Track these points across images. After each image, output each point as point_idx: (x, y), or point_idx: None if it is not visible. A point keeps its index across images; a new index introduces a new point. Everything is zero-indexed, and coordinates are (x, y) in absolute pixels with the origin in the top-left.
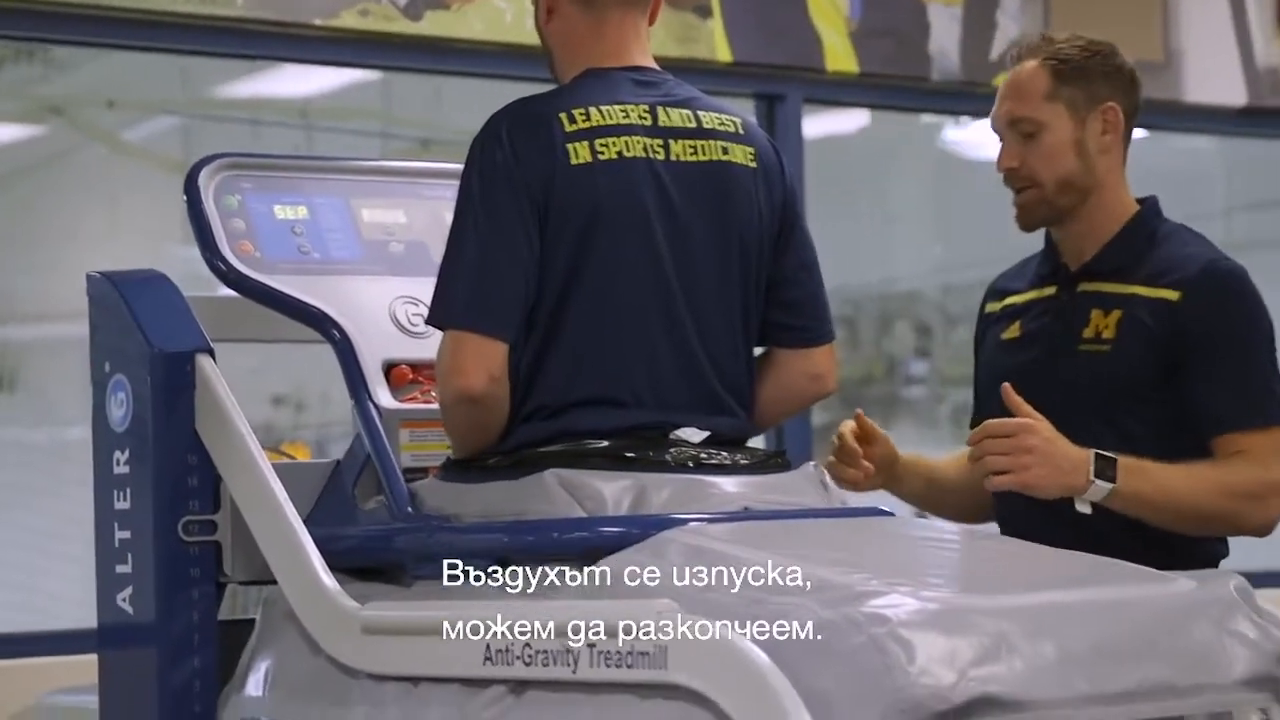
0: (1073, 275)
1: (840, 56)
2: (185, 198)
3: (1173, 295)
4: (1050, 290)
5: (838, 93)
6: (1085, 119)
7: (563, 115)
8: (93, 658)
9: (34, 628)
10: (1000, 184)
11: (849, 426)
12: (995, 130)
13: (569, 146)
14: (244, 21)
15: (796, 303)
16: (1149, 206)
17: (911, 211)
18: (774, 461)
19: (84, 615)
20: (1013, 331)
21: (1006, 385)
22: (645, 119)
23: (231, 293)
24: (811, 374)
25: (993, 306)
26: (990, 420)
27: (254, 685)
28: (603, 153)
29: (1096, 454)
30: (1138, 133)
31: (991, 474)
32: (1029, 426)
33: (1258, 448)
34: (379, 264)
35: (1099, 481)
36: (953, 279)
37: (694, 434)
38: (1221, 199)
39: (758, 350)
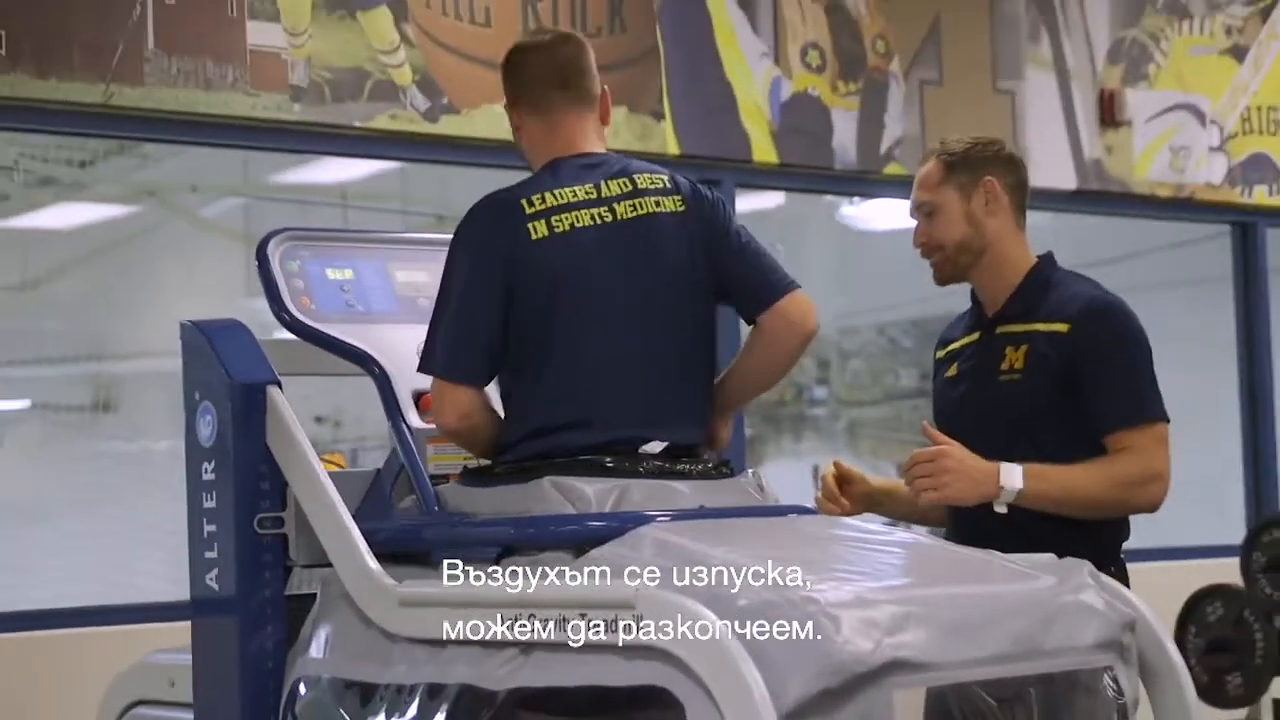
0: (990, 321)
1: (764, 150)
2: (257, 262)
3: (1063, 328)
4: (975, 336)
5: (762, 178)
6: (970, 195)
7: (524, 201)
8: (176, 625)
9: (129, 600)
10: (884, 248)
11: (830, 471)
12: (911, 216)
13: (529, 225)
14: (299, 124)
15: (746, 276)
16: (1045, 260)
17: (817, 270)
18: (721, 469)
19: (169, 590)
20: (952, 371)
21: (925, 423)
22: (591, 194)
23: (292, 336)
24: (787, 322)
25: (939, 354)
26: (915, 451)
27: (315, 648)
28: (558, 227)
29: (1004, 466)
30: None
31: (920, 494)
32: (944, 452)
33: (1140, 442)
34: (410, 314)
35: (1010, 485)
36: (847, 323)
37: (657, 446)
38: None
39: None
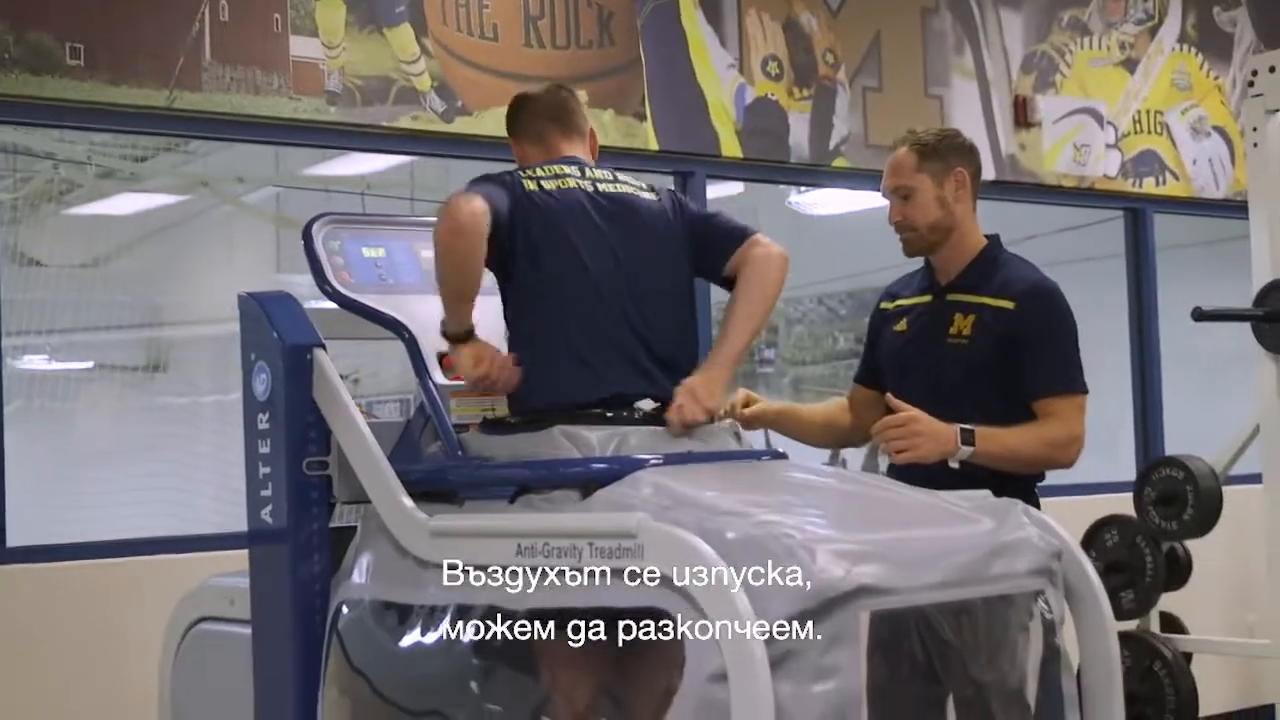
0: (943, 288)
1: (730, 146)
2: (303, 241)
3: (1009, 305)
4: (927, 298)
5: (728, 170)
6: (943, 182)
7: (519, 172)
8: (227, 552)
9: (184, 532)
10: (825, 230)
11: (740, 396)
12: (885, 196)
13: (524, 182)
14: (334, 124)
15: (713, 237)
16: (994, 241)
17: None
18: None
19: (218, 522)
20: (902, 326)
21: (889, 395)
22: (578, 173)
23: (332, 305)
24: (759, 256)
25: (886, 305)
26: (887, 417)
27: (357, 574)
28: (548, 186)
29: (961, 428)
30: None
31: (893, 455)
32: (914, 418)
33: (1065, 409)
34: (434, 287)
35: (964, 447)
36: (792, 294)
37: (649, 405)
38: None
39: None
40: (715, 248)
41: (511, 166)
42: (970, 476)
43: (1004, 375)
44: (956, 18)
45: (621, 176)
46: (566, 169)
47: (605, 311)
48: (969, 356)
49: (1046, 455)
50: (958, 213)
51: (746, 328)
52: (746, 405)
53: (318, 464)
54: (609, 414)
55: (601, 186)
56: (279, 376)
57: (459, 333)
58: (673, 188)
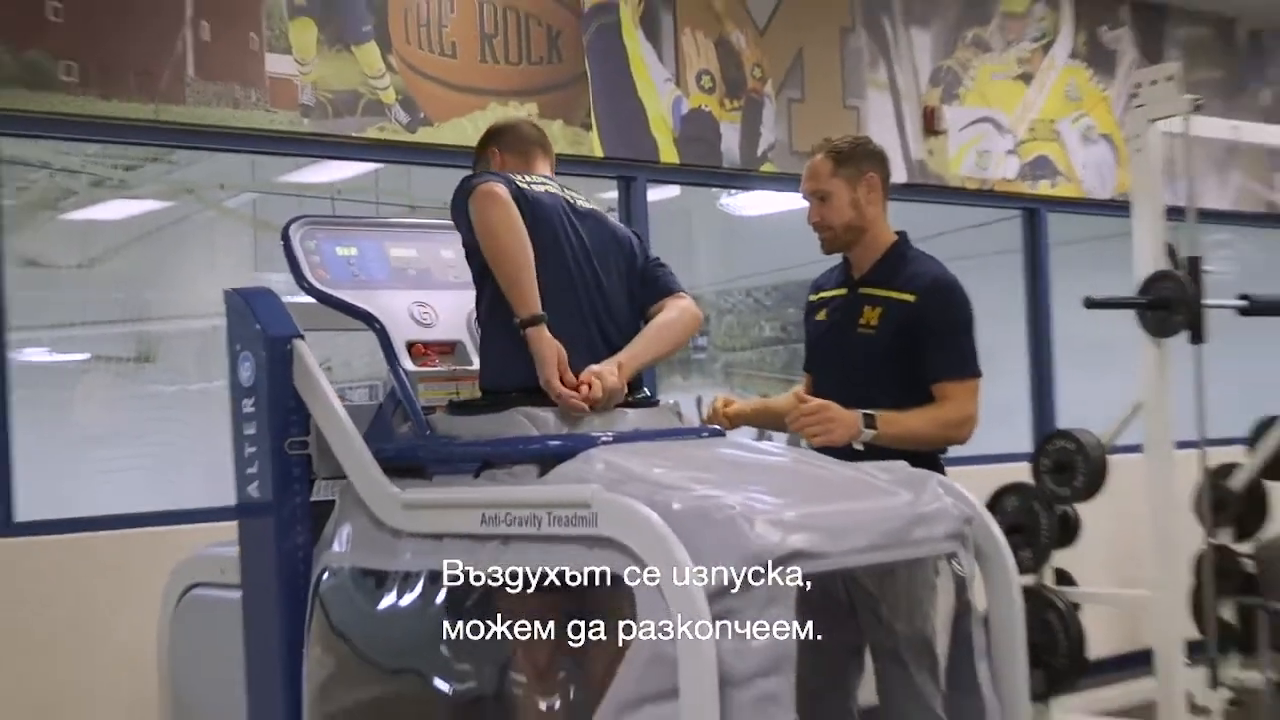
0: (856, 282)
1: (668, 153)
2: (282, 241)
3: (911, 298)
4: (844, 291)
5: (666, 175)
6: (856, 186)
7: (510, 174)
8: (213, 524)
9: (174, 507)
10: (752, 229)
11: (718, 403)
12: (804, 197)
13: (516, 180)
14: (308, 134)
15: (657, 278)
16: (902, 239)
17: (702, 246)
18: (650, 401)
19: (202, 499)
20: (823, 315)
21: (796, 390)
22: (556, 188)
23: (310, 300)
24: (687, 306)
25: (813, 297)
26: (801, 406)
27: (336, 544)
28: (536, 189)
29: (864, 414)
30: None
31: (810, 439)
32: (826, 405)
33: (959, 392)
34: (401, 282)
35: (866, 431)
36: (723, 287)
37: None
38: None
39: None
40: (647, 290)
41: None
42: (880, 452)
43: (906, 362)
44: (871, 36)
45: (592, 201)
46: (547, 181)
47: (575, 307)
48: (875, 345)
49: (942, 435)
50: (869, 214)
51: (657, 347)
52: (726, 406)
53: (299, 444)
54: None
55: (577, 202)
56: (262, 364)
57: (527, 317)
58: (633, 224)
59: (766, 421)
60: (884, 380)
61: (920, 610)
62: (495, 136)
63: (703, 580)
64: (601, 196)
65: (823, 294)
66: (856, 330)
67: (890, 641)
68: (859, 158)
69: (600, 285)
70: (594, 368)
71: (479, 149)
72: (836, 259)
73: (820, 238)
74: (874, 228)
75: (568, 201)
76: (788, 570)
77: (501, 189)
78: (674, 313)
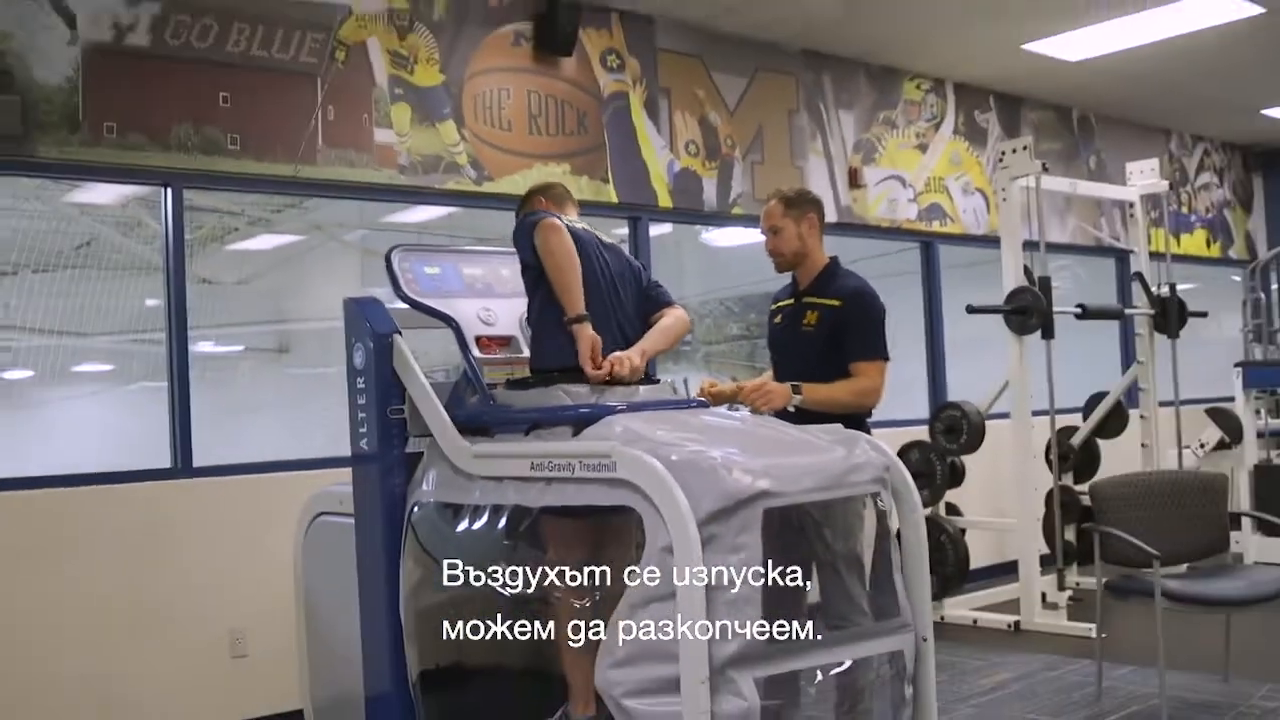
0: (801, 293)
1: (664, 200)
2: (385, 263)
3: (838, 303)
4: (792, 301)
5: (663, 216)
6: (799, 223)
7: (561, 217)
8: (331, 470)
9: (303, 456)
10: (725, 257)
11: (706, 383)
12: (762, 232)
13: (562, 217)
14: (405, 187)
15: (650, 297)
16: (834, 261)
17: (689, 268)
18: (654, 380)
19: (327, 450)
20: (779, 319)
21: (735, 381)
22: (586, 226)
23: (404, 306)
24: (681, 313)
25: (773, 306)
26: (748, 384)
27: (425, 485)
28: (577, 225)
29: (792, 385)
30: None
31: (756, 408)
32: (764, 383)
33: (869, 369)
34: (471, 292)
35: (795, 396)
36: (703, 298)
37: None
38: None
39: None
40: (650, 304)
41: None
42: (820, 414)
43: (835, 350)
44: (810, 116)
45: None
46: (580, 222)
47: (604, 313)
48: (814, 339)
49: (854, 401)
50: (809, 243)
51: (664, 341)
52: (711, 387)
53: (397, 410)
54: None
55: (603, 238)
56: (370, 353)
57: (575, 316)
58: (638, 255)
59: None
60: (821, 364)
61: (851, 534)
62: (541, 191)
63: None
64: (616, 232)
65: (779, 304)
66: (801, 329)
67: (829, 556)
68: (802, 203)
69: (619, 298)
70: (620, 353)
71: (526, 198)
72: (787, 277)
73: (774, 261)
74: (813, 254)
75: (597, 237)
76: (756, 505)
77: (560, 223)
78: (671, 319)
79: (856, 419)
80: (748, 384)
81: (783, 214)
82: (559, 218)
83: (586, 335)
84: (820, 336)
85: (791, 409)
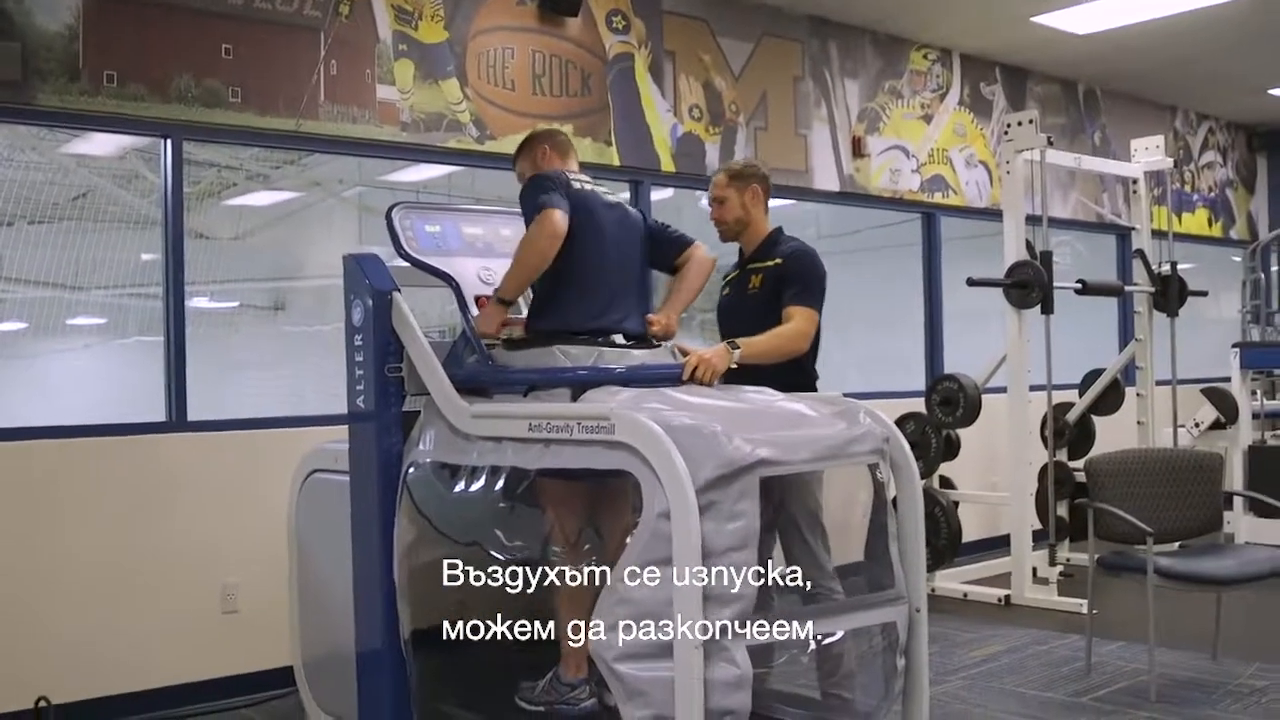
0: (746, 260)
1: (667, 164)
2: (386, 220)
3: (779, 261)
4: (738, 271)
5: (665, 181)
6: (742, 193)
7: (564, 174)
8: (325, 427)
9: (298, 414)
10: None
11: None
12: (709, 204)
13: (571, 182)
14: (406, 144)
15: (668, 239)
16: (777, 230)
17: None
18: (653, 344)
19: (321, 408)
20: (727, 290)
21: (683, 346)
22: (591, 184)
23: (404, 264)
24: (697, 260)
25: (722, 280)
26: (686, 367)
27: (421, 444)
28: (586, 187)
29: (728, 343)
30: (784, 201)
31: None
32: (700, 355)
33: (799, 315)
34: (471, 252)
35: (735, 353)
36: None
37: (619, 339)
38: (824, 230)
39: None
40: (670, 247)
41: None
42: (760, 371)
43: (778, 306)
44: (816, 84)
45: (611, 191)
46: (585, 179)
47: (600, 274)
48: (759, 300)
49: (786, 346)
50: (752, 213)
51: (689, 295)
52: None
53: (395, 369)
54: (594, 339)
55: (605, 196)
56: (369, 310)
57: (508, 300)
58: (640, 208)
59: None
60: (767, 321)
61: (812, 496)
62: (544, 137)
63: (693, 482)
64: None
65: (728, 276)
66: (747, 294)
67: (792, 520)
68: (746, 175)
69: (618, 261)
70: (656, 316)
71: (528, 143)
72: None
73: (719, 230)
74: (756, 223)
75: (601, 196)
76: (754, 473)
77: (561, 221)
78: (693, 269)
79: (801, 372)
80: (688, 362)
81: (726, 184)
82: (568, 182)
83: (494, 312)
84: (765, 297)
85: (734, 365)
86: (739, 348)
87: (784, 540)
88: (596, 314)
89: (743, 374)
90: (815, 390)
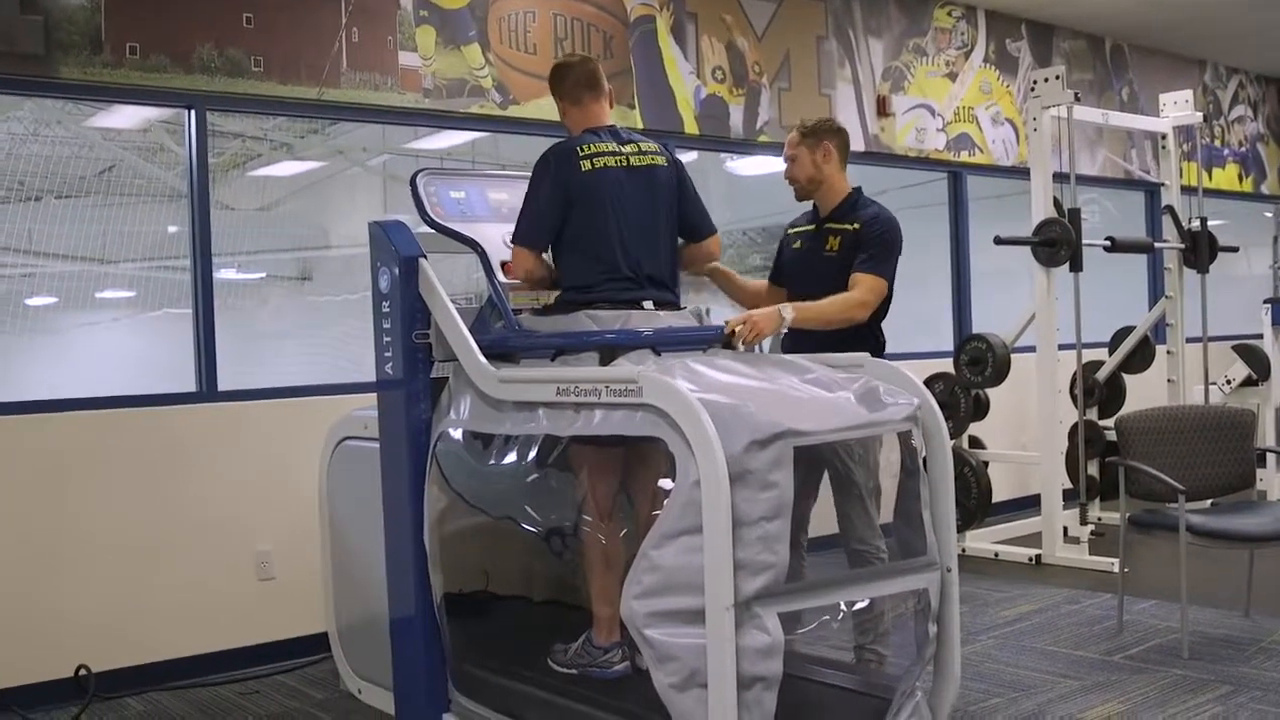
0: (823, 220)
1: (691, 126)
2: (410, 187)
3: (858, 226)
4: (813, 227)
5: (689, 143)
6: (814, 151)
7: (578, 148)
8: (349, 395)
9: (324, 382)
10: (748, 185)
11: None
12: (784, 160)
13: (580, 162)
14: (429, 110)
15: (691, 218)
16: (857, 190)
17: (712, 196)
18: (678, 307)
19: (348, 376)
20: (799, 245)
21: (729, 321)
22: (613, 149)
23: (430, 230)
24: (705, 251)
25: (790, 232)
26: (731, 320)
27: (451, 412)
28: (596, 164)
29: (782, 306)
30: None
31: (747, 341)
32: (750, 314)
33: (865, 282)
34: (497, 217)
35: (786, 317)
36: (726, 228)
37: (649, 305)
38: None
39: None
40: (699, 223)
41: (552, 140)
42: (819, 335)
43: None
44: (840, 43)
45: (644, 147)
46: (606, 148)
47: (622, 246)
48: (835, 263)
49: (843, 314)
50: (826, 171)
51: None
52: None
53: (422, 335)
54: (621, 304)
55: (632, 160)
56: (396, 277)
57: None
58: (673, 154)
59: (725, 286)
60: (839, 288)
61: (873, 461)
62: (555, 88)
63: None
64: None
65: (797, 229)
66: (823, 254)
67: (849, 483)
68: (819, 132)
69: (641, 229)
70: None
71: (554, 86)
72: (808, 206)
73: (794, 189)
74: (831, 182)
75: (623, 167)
76: (786, 442)
77: (528, 268)
78: (702, 255)
79: (859, 339)
80: (732, 321)
81: (799, 142)
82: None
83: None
84: (841, 260)
85: (784, 331)
86: (790, 315)
87: (839, 498)
88: (621, 279)
89: (802, 334)
90: (882, 355)
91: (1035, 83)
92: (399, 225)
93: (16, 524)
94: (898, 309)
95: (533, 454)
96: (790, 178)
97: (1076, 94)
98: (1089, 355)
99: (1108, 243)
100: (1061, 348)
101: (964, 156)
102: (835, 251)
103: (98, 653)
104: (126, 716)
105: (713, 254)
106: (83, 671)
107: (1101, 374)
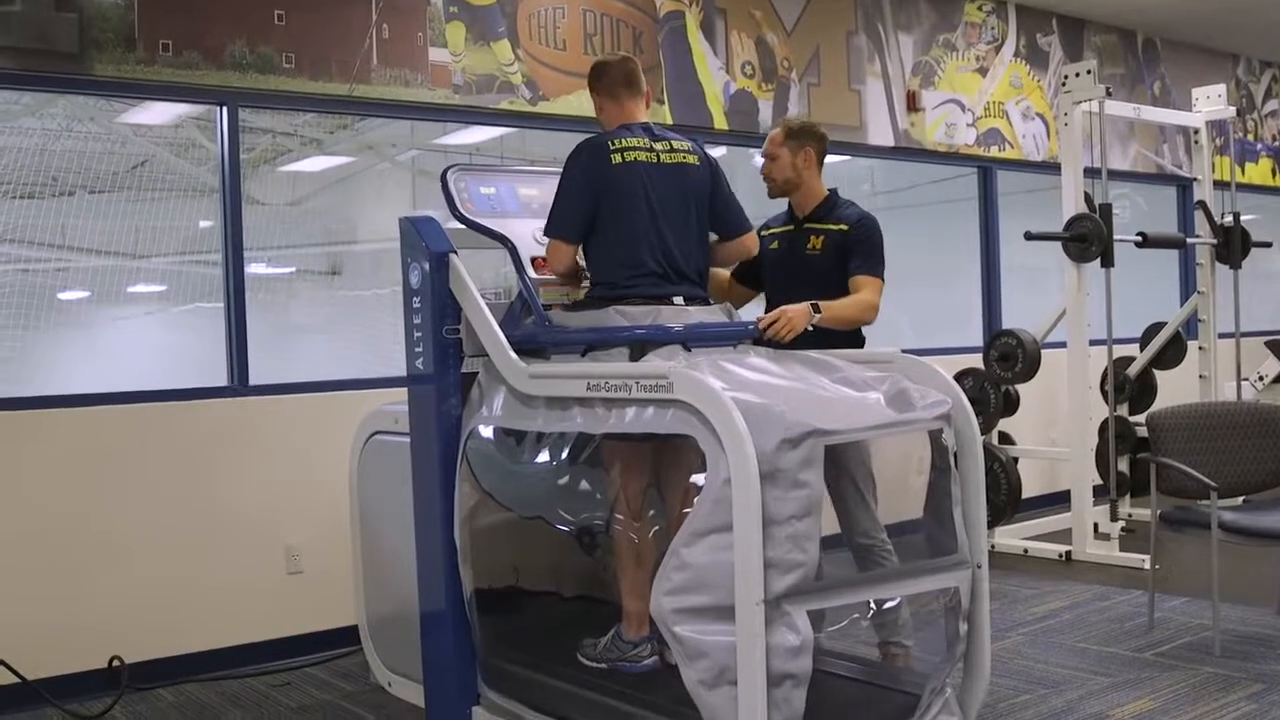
0: (801, 220)
1: (720, 122)
2: (441, 182)
3: (845, 227)
4: (791, 227)
5: (718, 139)
6: (795, 154)
7: (609, 142)
8: (379, 390)
9: (354, 377)
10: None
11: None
12: (763, 157)
13: (611, 156)
14: (459, 106)
15: (724, 215)
16: (834, 192)
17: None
18: (708, 303)
19: (377, 370)
20: (776, 245)
21: (760, 318)
22: (646, 145)
23: (460, 226)
24: (740, 248)
25: (765, 233)
26: (766, 316)
27: (483, 408)
28: (627, 158)
29: (811, 304)
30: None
31: (781, 338)
32: (784, 310)
33: (868, 284)
34: (527, 213)
35: (815, 315)
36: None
37: (679, 300)
38: (878, 186)
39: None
40: (732, 220)
41: (580, 136)
42: (830, 333)
43: (840, 270)
44: (870, 38)
45: (676, 145)
46: (638, 143)
47: (651, 241)
48: (820, 261)
49: (859, 315)
50: (804, 174)
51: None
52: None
53: (453, 330)
54: (651, 300)
55: (663, 157)
56: (427, 272)
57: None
58: (706, 152)
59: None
60: (827, 286)
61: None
62: (593, 83)
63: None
64: None
65: (772, 230)
66: (804, 253)
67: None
68: (802, 134)
69: (671, 225)
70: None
71: (593, 83)
72: (782, 206)
73: (769, 187)
74: (808, 184)
75: (653, 163)
76: (817, 441)
77: (562, 260)
78: (736, 247)
79: (853, 335)
80: (763, 320)
81: (781, 142)
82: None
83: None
84: (827, 259)
85: (811, 328)
86: (819, 311)
87: (839, 497)
88: (651, 274)
89: (807, 333)
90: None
91: (1066, 77)
92: (429, 220)
93: (49, 516)
94: (927, 304)
95: (565, 451)
96: (767, 175)
97: (1108, 89)
98: (1120, 351)
99: (1139, 238)
100: (1092, 343)
101: (994, 151)
102: (818, 251)
103: (130, 644)
104: (159, 707)
105: (747, 250)
106: (115, 662)
107: (1132, 370)
